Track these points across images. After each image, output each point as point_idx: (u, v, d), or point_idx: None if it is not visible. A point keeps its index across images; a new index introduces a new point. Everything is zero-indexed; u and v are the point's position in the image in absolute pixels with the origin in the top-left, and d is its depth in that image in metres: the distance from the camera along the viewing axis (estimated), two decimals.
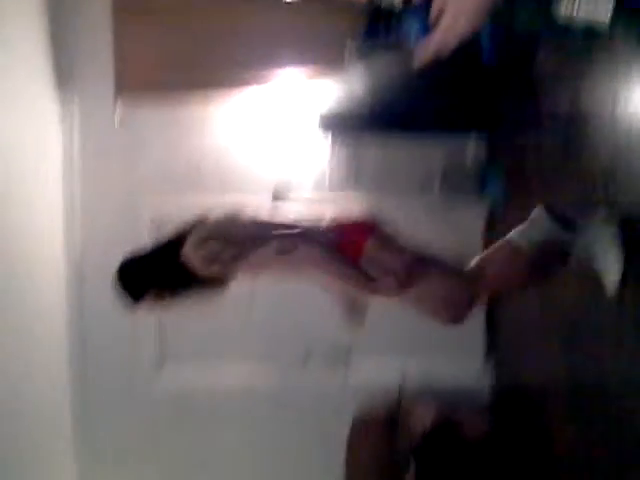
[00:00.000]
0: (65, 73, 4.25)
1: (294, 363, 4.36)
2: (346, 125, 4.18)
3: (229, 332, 4.36)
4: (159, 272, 2.60)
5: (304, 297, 4.37)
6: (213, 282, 2.56)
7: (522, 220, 3.70)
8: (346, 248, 2.50)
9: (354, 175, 4.35)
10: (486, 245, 4.25)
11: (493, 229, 4.27)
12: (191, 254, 2.50)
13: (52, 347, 4.13)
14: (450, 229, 4.32)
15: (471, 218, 4.31)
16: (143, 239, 4.24)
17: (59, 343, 4.22)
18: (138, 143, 4.33)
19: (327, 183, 4.38)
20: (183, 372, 4.37)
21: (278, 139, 4.40)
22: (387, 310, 4.27)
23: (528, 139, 3.59)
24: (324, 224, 2.59)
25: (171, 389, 4.33)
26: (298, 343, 4.38)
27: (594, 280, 2.71)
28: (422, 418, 3.49)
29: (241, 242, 2.50)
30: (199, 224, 2.61)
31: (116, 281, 2.61)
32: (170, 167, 4.33)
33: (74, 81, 4.29)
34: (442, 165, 4.22)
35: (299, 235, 2.52)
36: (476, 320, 4.34)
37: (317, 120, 4.12)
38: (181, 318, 4.32)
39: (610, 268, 2.43)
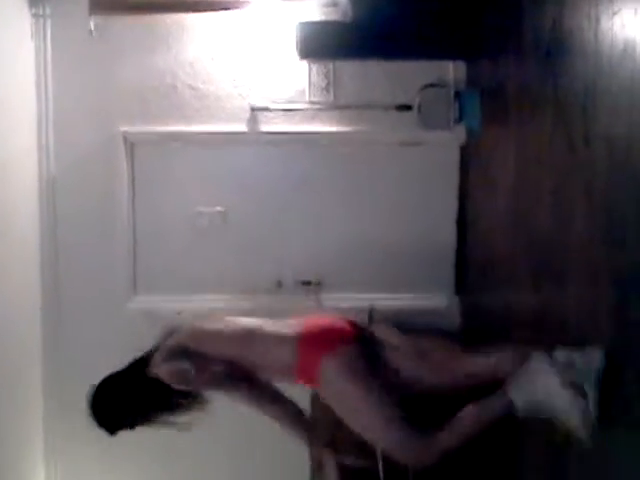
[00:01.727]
0: None
1: (266, 289, 4.36)
2: (324, 52, 4.10)
3: (201, 261, 4.39)
4: (131, 396, 2.61)
5: (275, 226, 4.40)
6: (189, 401, 2.60)
7: (496, 149, 3.74)
8: (303, 368, 2.49)
9: (332, 91, 4.30)
10: (461, 171, 4.30)
11: (468, 155, 4.27)
12: (160, 370, 2.53)
13: (25, 267, 4.12)
14: (425, 150, 4.32)
15: (447, 141, 4.30)
16: (116, 155, 4.26)
17: (32, 265, 4.21)
18: (111, 60, 4.25)
19: (307, 98, 4.31)
20: (156, 299, 4.38)
21: (255, 60, 4.31)
22: (357, 248, 4.35)
23: (508, 66, 3.55)
24: (286, 331, 2.56)
25: (144, 313, 4.33)
26: (270, 271, 4.40)
27: (567, 212, 2.73)
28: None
29: (210, 374, 2.52)
30: (168, 338, 2.61)
31: (91, 415, 2.66)
32: (145, 83, 4.27)
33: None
34: (421, 83, 4.16)
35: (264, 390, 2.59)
36: (446, 256, 4.40)
37: (295, 46, 4.03)
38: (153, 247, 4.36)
39: (571, 416, 2.16)
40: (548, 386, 2.19)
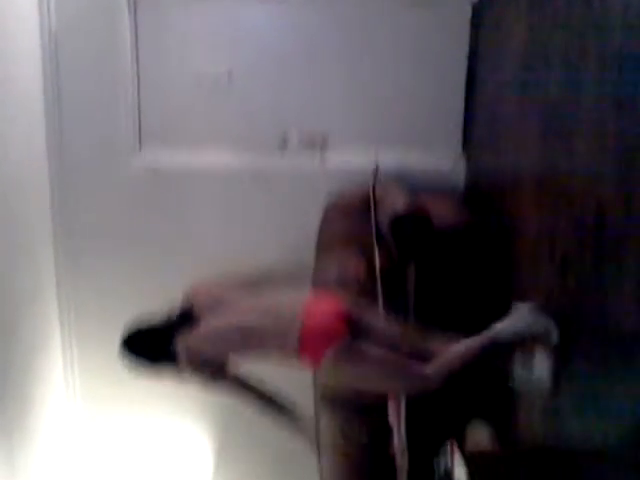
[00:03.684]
0: None
1: (271, 148, 4.36)
2: None
3: (205, 119, 4.36)
4: (152, 356, 3.06)
5: (281, 84, 4.33)
6: None
7: (509, 7, 3.62)
8: (306, 355, 2.83)
9: None
10: (472, 30, 4.18)
11: (480, 14, 4.15)
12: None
13: (31, 130, 4.10)
14: (436, 8, 4.21)
15: (458, 10, 4.19)
16: (119, 7, 4.15)
17: (36, 123, 4.18)
18: None
19: None
20: (161, 155, 4.39)
21: None
22: (364, 106, 4.30)
23: None
24: (292, 324, 2.85)
25: (149, 169, 4.36)
26: (275, 130, 4.37)
27: (578, 73, 2.68)
28: (394, 202, 3.56)
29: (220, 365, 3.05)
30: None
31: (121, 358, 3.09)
32: None
33: None
34: None
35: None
36: (454, 113, 4.35)
37: None
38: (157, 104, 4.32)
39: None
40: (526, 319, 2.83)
